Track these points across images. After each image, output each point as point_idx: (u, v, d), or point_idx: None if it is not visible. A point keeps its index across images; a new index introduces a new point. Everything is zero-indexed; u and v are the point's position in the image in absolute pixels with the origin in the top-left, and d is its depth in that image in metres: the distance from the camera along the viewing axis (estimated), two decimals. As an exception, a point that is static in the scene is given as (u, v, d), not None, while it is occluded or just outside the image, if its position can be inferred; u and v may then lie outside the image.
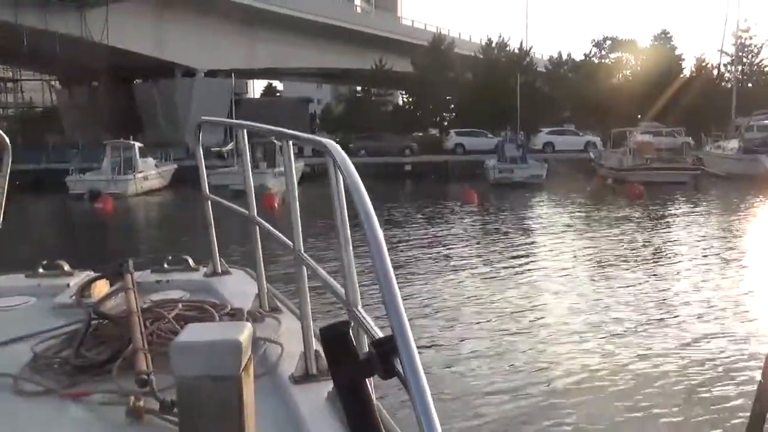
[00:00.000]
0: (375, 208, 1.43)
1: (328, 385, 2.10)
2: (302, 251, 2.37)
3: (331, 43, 62.08)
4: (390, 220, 21.89)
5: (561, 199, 28.60)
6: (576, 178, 36.54)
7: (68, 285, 3.51)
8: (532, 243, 18.17)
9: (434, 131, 57.62)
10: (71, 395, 2.22)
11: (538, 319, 10.36)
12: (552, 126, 50.48)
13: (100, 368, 2.37)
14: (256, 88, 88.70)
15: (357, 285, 1.87)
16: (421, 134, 56.01)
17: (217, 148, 33.71)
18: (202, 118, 4.74)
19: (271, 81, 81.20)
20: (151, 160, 34.67)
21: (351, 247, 1.93)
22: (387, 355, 1.17)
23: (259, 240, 3.15)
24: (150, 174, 33.09)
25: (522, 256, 15.84)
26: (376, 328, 1.52)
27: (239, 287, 3.49)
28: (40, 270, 3.78)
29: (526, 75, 52.97)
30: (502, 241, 18.14)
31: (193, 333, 1.77)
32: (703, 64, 56.49)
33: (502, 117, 49.93)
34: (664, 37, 56.63)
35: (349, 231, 1.93)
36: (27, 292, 3.51)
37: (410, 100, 60.91)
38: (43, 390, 2.26)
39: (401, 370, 1.12)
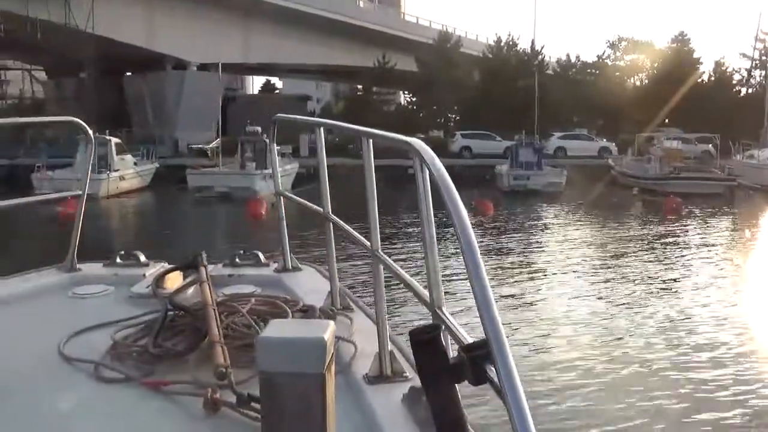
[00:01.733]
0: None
1: (404, 387, 2.08)
2: (379, 250, 2.29)
3: (332, 39, 58.56)
4: (390, 236, 18.08)
5: (587, 212, 25.13)
6: (595, 186, 33.10)
7: (144, 275, 3.50)
8: (571, 269, 14.73)
9: (437, 133, 54.00)
10: (150, 384, 2.21)
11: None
12: (561, 130, 47.05)
13: (177, 358, 2.36)
14: (255, 84, 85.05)
15: (441, 286, 1.79)
16: (423, 136, 52.31)
17: (199, 146, 29.93)
18: (278, 115, 3.93)
19: (269, 78, 77.47)
20: (129, 158, 31.13)
21: (436, 247, 1.85)
22: (479, 360, 1.14)
23: (332, 237, 3.04)
24: (127, 173, 29.51)
25: (561, 285, 12.84)
26: (463, 331, 1.47)
27: (309, 284, 3.43)
28: (118, 260, 3.77)
29: (537, 76, 49.55)
30: (533, 272, 14.70)
31: (278, 329, 1.77)
32: (723, 68, 53.08)
33: (511, 119, 46.62)
34: (681, 39, 53.14)
35: (434, 230, 1.84)
36: (105, 281, 3.52)
37: (413, 99, 57.43)
38: (123, 377, 2.28)
39: (494, 378, 1.08)
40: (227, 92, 57.72)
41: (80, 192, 4.05)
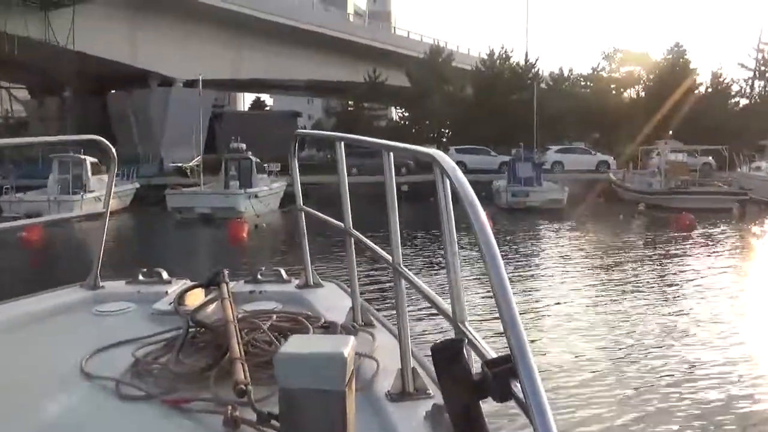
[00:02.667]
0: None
1: (427, 404, 2.02)
2: (401, 264, 2.26)
3: (323, 54, 57.02)
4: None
5: (593, 230, 23.34)
6: (597, 202, 31.39)
7: (166, 292, 3.50)
8: (580, 294, 12.95)
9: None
10: (171, 402, 2.20)
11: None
12: (557, 144, 45.47)
13: (198, 376, 2.34)
14: (246, 101, 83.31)
15: (464, 300, 1.77)
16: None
17: (178, 164, 27.90)
18: (298, 130, 3.90)
19: (259, 95, 75.86)
20: (107, 178, 29.29)
21: (458, 261, 1.83)
22: (503, 376, 1.12)
23: (353, 253, 3.00)
24: (104, 194, 27.61)
25: (571, 310, 11.33)
26: (487, 346, 1.44)
27: (331, 300, 3.41)
28: (140, 277, 3.80)
29: (532, 89, 48.13)
30: (541, 295, 12.89)
31: (297, 344, 1.75)
32: (720, 78, 51.71)
33: (505, 133, 45.05)
34: (677, 50, 51.77)
35: (456, 245, 1.81)
36: (128, 298, 3.53)
37: (405, 114, 55.86)
38: (144, 395, 2.27)
39: (519, 394, 1.06)
40: (214, 109, 56.01)
41: (103, 210, 4.06)
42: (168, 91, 46.86)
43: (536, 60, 52.10)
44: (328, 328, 2.75)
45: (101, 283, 3.72)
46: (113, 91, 50.44)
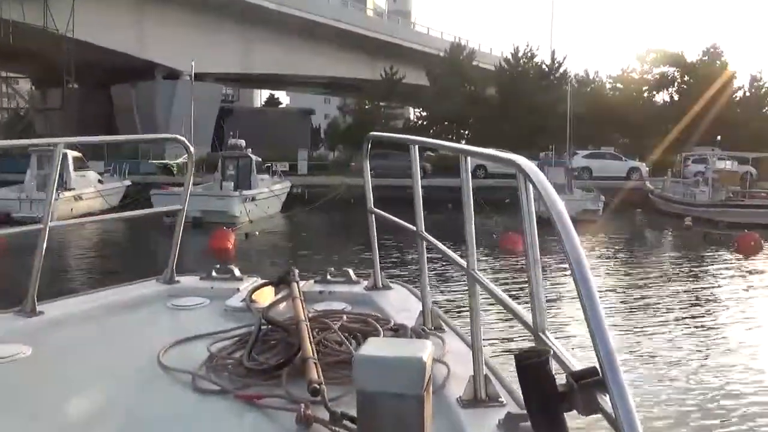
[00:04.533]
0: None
1: (499, 412, 1.98)
2: (476, 270, 2.18)
3: (340, 50, 53.85)
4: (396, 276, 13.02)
5: (637, 248, 19.86)
6: (634, 214, 27.81)
7: (238, 289, 3.52)
8: (639, 320, 9.61)
9: (449, 150, 48.77)
10: (245, 397, 2.20)
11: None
12: (584, 148, 41.82)
13: (270, 373, 2.35)
14: (259, 98, 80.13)
15: (545, 308, 1.69)
16: (433, 153, 47.12)
17: (164, 162, 24.45)
18: (371, 133, 3.78)
19: (273, 92, 72.71)
20: (92, 175, 26.15)
21: (540, 268, 1.73)
22: (590, 389, 1.10)
23: (425, 256, 2.99)
24: (86, 192, 24.44)
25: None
26: (571, 358, 1.39)
27: (400, 302, 3.36)
28: (214, 273, 3.83)
29: (558, 89, 44.62)
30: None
31: (375, 347, 1.74)
32: (760, 82, 47.81)
33: (529, 136, 41.57)
34: (713, 52, 47.93)
35: (538, 251, 1.73)
36: (202, 293, 3.57)
37: (423, 114, 52.42)
38: (218, 389, 2.27)
39: (607, 408, 1.05)
40: (224, 105, 52.94)
41: (180, 207, 3.89)
42: (174, 84, 43.80)
43: (564, 58, 48.35)
44: (398, 330, 2.71)
45: (177, 278, 3.76)
46: (118, 84, 47.48)
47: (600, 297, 1.17)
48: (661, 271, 16.25)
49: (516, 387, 1.89)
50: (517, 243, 16.47)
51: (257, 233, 20.49)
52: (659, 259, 18.05)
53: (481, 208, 27.82)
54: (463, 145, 2.20)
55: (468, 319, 2.16)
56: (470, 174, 2.28)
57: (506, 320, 8.62)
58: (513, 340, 8.92)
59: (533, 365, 1.17)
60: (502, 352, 8.42)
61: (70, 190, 23.49)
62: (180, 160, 27.09)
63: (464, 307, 8.78)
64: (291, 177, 36.70)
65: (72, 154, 24.29)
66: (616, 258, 18.59)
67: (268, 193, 25.33)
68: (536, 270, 1.70)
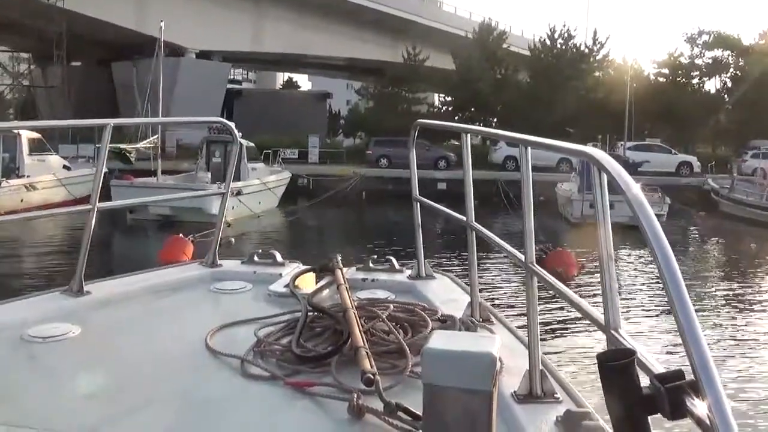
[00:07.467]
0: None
1: (557, 409, 1.93)
2: (534, 263, 2.11)
3: (360, 30, 49.18)
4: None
5: (720, 265, 15.10)
6: (693, 215, 22.97)
7: (281, 275, 3.48)
8: None
9: (475, 139, 43.96)
10: (295, 384, 2.16)
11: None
12: (629, 139, 36.86)
13: (319, 360, 2.30)
14: (279, 82, 75.66)
15: (619, 306, 1.59)
16: (458, 143, 42.38)
17: (119, 146, 19.98)
18: (418, 120, 3.67)
19: (291, 75, 68.18)
20: (55, 160, 21.99)
21: (613, 264, 1.64)
22: (677, 393, 1.06)
23: (474, 247, 2.90)
24: (42, 181, 20.22)
25: None
26: (653, 359, 1.30)
27: (444, 293, 3.29)
28: (255, 258, 3.78)
29: (598, 73, 39.69)
30: None
31: (443, 341, 1.69)
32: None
33: (563, 124, 36.93)
34: (772, 35, 42.41)
35: (612, 247, 1.65)
36: (244, 278, 3.53)
37: (448, 99, 47.64)
38: (268, 375, 2.25)
39: (698, 413, 1.00)
40: (232, 86, 48.75)
41: (223, 191, 3.95)
42: (177, 61, 39.53)
43: (606, 39, 43.09)
44: (446, 322, 2.64)
45: (219, 262, 3.71)
46: (119, 62, 43.47)
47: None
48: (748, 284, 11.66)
49: (572, 384, 2.03)
50: (571, 265, 11.75)
51: (232, 240, 15.94)
52: (756, 283, 13.36)
53: (511, 205, 23.11)
54: (521, 135, 1.98)
55: (513, 313, 2.71)
56: (530, 167, 2.17)
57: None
58: (564, 336, 8.38)
59: (618, 366, 1.11)
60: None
61: (20, 177, 19.34)
62: (143, 144, 22.59)
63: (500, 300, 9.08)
64: (300, 165, 32.37)
65: (28, 135, 20.14)
66: (690, 280, 13.94)
67: (259, 186, 20.95)
68: (609, 265, 1.62)
